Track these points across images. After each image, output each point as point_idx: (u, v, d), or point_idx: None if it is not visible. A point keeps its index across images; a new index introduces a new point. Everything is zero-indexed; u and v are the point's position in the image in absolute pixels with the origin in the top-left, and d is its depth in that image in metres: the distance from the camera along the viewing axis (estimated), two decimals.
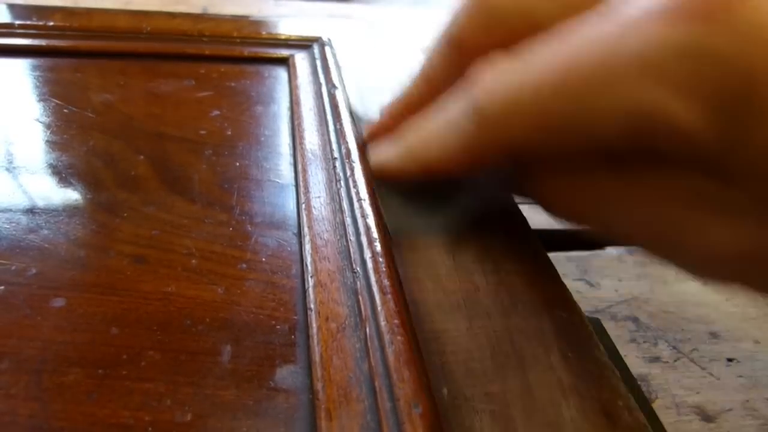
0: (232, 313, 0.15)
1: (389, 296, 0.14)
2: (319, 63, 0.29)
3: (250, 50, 0.30)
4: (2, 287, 0.15)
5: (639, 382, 0.18)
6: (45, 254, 0.16)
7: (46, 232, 0.17)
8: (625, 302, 0.23)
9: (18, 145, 0.21)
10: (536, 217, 0.29)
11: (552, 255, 0.18)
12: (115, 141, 0.22)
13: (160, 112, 0.24)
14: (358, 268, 0.16)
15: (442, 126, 0.16)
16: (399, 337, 0.13)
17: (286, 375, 0.14)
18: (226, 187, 0.20)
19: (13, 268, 0.16)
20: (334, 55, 0.29)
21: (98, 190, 0.19)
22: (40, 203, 0.18)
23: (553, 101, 0.12)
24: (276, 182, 0.21)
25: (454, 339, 0.14)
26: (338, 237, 0.17)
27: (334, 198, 0.19)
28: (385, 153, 0.19)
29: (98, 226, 0.18)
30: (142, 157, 0.21)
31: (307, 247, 0.17)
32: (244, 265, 0.17)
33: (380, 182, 0.19)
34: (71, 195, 0.19)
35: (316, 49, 0.30)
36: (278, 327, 0.15)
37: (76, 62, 0.28)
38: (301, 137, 0.22)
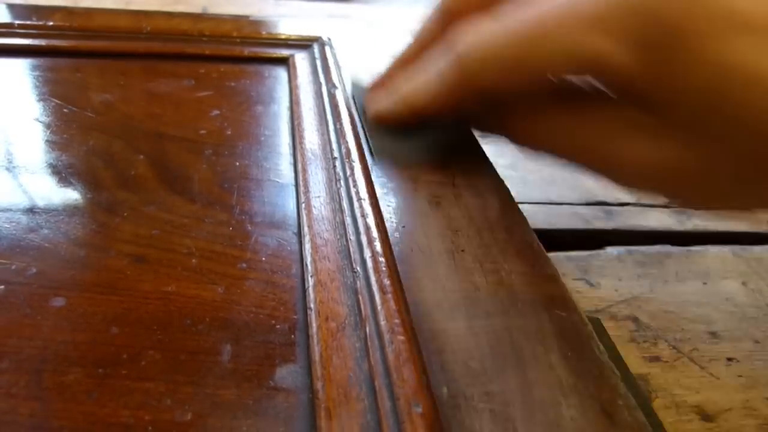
0: (232, 313, 0.15)
1: (389, 296, 0.14)
2: (319, 63, 0.29)
3: (250, 50, 0.30)
4: (2, 287, 0.15)
5: (639, 382, 0.18)
6: (45, 254, 0.16)
7: (46, 231, 0.17)
8: (625, 302, 0.23)
9: (18, 145, 0.21)
10: (536, 216, 0.29)
11: (552, 255, 0.18)
12: (115, 141, 0.22)
13: (159, 111, 0.24)
14: (358, 268, 0.16)
15: (430, 75, 0.19)
16: (399, 337, 0.13)
17: (286, 374, 0.14)
18: (226, 186, 0.20)
19: (13, 267, 0.16)
20: (334, 55, 0.29)
21: (98, 190, 0.19)
22: (40, 203, 0.18)
23: (521, 48, 0.16)
24: (276, 182, 0.21)
25: (454, 339, 0.14)
26: (338, 236, 0.17)
27: (334, 197, 0.19)
28: (382, 102, 0.22)
29: (98, 226, 0.18)
30: (141, 156, 0.21)
31: (307, 246, 0.17)
32: (244, 265, 0.17)
33: (373, 125, 0.22)
34: (71, 195, 0.19)
35: (316, 49, 0.30)
36: (278, 326, 0.15)
37: (76, 62, 0.28)
38: (301, 137, 0.22)
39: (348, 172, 0.19)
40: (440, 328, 0.15)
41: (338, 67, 0.28)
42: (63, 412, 0.12)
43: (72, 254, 0.16)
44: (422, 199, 0.20)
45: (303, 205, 0.19)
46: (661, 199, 0.31)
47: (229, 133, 0.23)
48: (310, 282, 0.16)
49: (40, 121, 0.23)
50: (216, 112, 0.25)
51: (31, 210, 0.18)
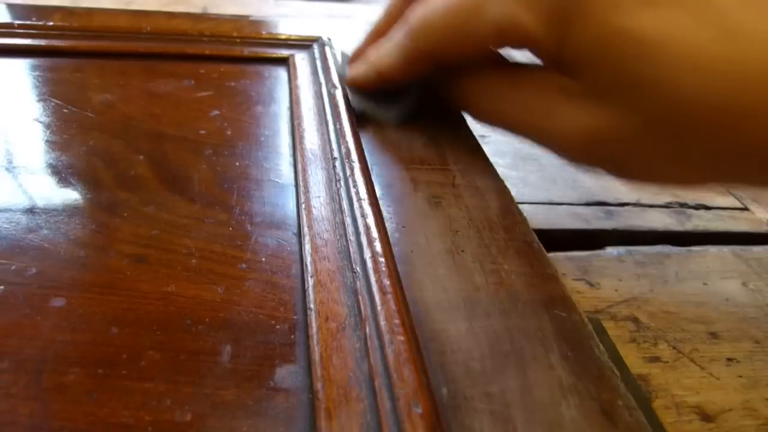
0: (232, 313, 0.15)
1: (389, 296, 0.14)
2: (319, 63, 0.29)
3: (250, 50, 0.30)
4: (2, 287, 0.15)
5: (639, 382, 0.18)
6: (45, 254, 0.16)
7: (45, 231, 0.17)
8: (625, 302, 0.23)
9: (18, 145, 0.21)
10: (536, 216, 0.29)
11: (552, 255, 0.18)
12: (115, 141, 0.22)
13: (159, 111, 0.24)
14: (358, 268, 0.16)
15: (392, 45, 0.22)
16: (399, 337, 0.13)
17: (286, 375, 0.14)
18: (226, 187, 0.20)
19: (13, 268, 0.16)
20: (334, 55, 0.29)
21: (98, 190, 0.19)
22: (40, 203, 0.18)
23: (457, 18, 0.19)
24: (276, 182, 0.21)
25: (454, 339, 0.14)
26: (338, 237, 0.17)
27: (333, 198, 0.19)
28: (357, 69, 0.25)
29: (98, 226, 0.18)
30: (141, 157, 0.21)
31: (307, 246, 0.17)
32: (244, 265, 0.17)
33: (353, 89, 0.25)
34: (71, 195, 0.19)
35: (316, 49, 0.30)
36: (278, 327, 0.15)
37: (76, 62, 0.28)
38: (301, 137, 0.22)
39: (348, 173, 0.19)
40: (440, 328, 0.15)
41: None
42: (63, 412, 0.12)
43: (72, 254, 0.16)
44: (422, 200, 0.20)
45: (303, 206, 0.19)
46: (661, 199, 0.31)
47: (229, 133, 0.23)
48: (310, 282, 0.15)
49: (40, 121, 0.23)
50: (216, 112, 0.25)
51: (31, 210, 0.18)
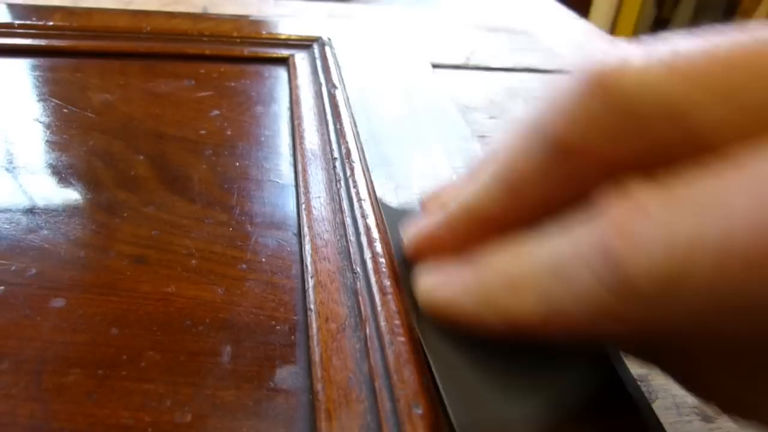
0: (232, 314, 0.15)
1: (389, 296, 0.14)
2: (319, 63, 0.29)
3: (250, 50, 0.30)
4: (2, 287, 0.15)
5: (639, 382, 0.18)
6: (45, 254, 0.16)
7: (45, 232, 0.17)
8: None
9: (18, 145, 0.21)
10: None
11: None
12: (115, 141, 0.22)
13: (159, 112, 0.24)
14: (358, 269, 0.16)
15: (552, 277, 0.11)
16: (399, 338, 0.13)
17: (286, 375, 0.14)
18: (226, 187, 0.20)
19: (13, 268, 0.16)
20: (334, 55, 0.29)
21: (98, 190, 0.19)
22: (40, 203, 0.18)
23: (745, 276, 0.08)
24: (276, 182, 0.21)
25: None
26: (338, 237, 0.17)
27: (334, 198, 0.19)
28: (448, 285, 0.13)
29: (98, 226, 0.18)
30: (141, 157, 0.21)
31: (307, 247, 0.17)
32: (244, 266, 0.17)
33: (428, 320, 0.13)
34: (71, 195, 0.19)
35: (316, 49, 0.30)
36: (278, 327, 0.15)
37: (76, 62, 0.28)
38: (301, 137, 0.22)
39: (348, 173, 0.19)
40: None
41: (338, 68, 0.28)
42: (62, 413, 0.12)
43: (72, 255, 0.16)
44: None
45: (303, 206, 0.19)
46: None
47: (229, 133, 0.23)
48: (310, 283, 0.15)
49: (40, 121, 0.23)
50: (216, 112, 0.25)
51: (31, 210, 0.18)
